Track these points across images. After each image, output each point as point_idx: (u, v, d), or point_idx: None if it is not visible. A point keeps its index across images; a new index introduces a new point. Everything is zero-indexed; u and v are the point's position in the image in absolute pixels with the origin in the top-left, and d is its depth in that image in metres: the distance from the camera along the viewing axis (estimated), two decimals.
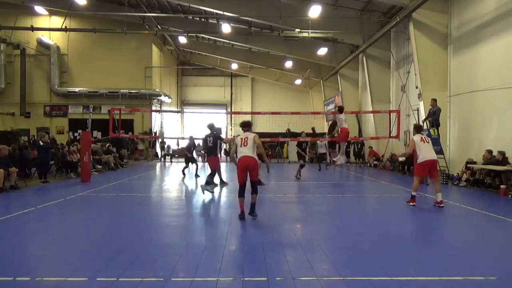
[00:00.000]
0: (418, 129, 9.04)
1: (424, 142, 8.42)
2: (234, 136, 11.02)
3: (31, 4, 22.09)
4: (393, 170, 17.29)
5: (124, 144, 22.18)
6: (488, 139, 12.21)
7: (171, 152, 25.73)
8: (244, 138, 7.01)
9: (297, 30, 18.86)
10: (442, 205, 8.24)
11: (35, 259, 4.76)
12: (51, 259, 4.76)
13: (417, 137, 8.58)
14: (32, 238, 5.83)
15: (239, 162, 6.84)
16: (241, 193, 6.89)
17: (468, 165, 12.00)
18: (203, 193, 9.72)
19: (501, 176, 10.34)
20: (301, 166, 13.85)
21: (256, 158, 6.96)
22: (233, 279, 4.00)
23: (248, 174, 6.85)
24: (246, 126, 7.36)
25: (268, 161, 8.50)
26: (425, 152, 8.35)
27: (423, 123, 13.43)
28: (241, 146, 6.97)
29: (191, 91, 34.83)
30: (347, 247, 5.31)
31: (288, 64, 28.13)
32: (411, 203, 8.41)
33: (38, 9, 22.31)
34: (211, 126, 10.77)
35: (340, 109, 12.34)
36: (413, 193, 8.47)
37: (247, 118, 32.93)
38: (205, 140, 10.76)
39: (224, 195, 10.52)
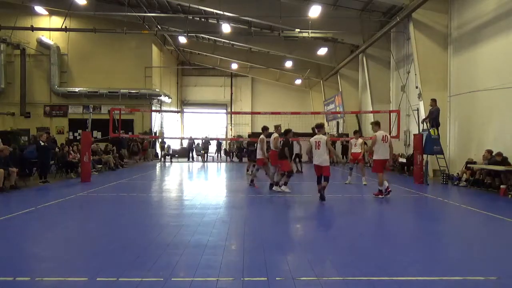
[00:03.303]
0: (379, 124, 9.82)
1: (384, 142, 9.34)
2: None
3: (31, 4, 22.09)
4: (393, 170, 17.27)
5: (125, 144, 22.18)
6: (488, 139, 12.20)
7: (171, 152, 25.74)
8: (318, 142, 8.67)
9: (297, 30, 18.85)
10: (380, 196, 9.32)
11: (35, 259, 4.76)
12: (51, 259, 4.76)
13: (379, 134, 9.42)
14: (32, 238, 5.83)
15: (315, 165, 8.83)
16: (319, 181, 8.87)
17: (468, 165, 12.00)
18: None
19: (501, 176, 10.34)
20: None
21: (327, 161, 8.71)
22: (233, 279, 4.00)
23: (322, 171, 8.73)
24: (320, 127, 9.07)
25: (340, 158, 9.78)
26: (382, 152, 9.31)
27: (423, 123, 13.45)
28: (315, 148, 8.71)
29: (191, 91, 34.83)
30: (347, 247, 5.31)
31: (288, 64, 28.12)
32: (379, 196, 9.32)
33: (38, 9, 22.30)
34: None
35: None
36: (380, 188, 9.37)
37: (248, 118, 33.15)
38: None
39: (224, 195, 10.53)
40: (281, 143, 10.21)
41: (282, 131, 10.95)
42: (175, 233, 5.83)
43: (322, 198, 8.82)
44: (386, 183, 9.30)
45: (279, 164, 10.41)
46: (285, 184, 10.29)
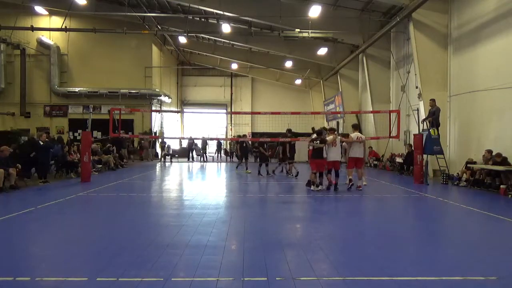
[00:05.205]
0: (355, 127, 11.41)
1: (357, 142, 10.77)
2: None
3: (31, 4, 22.08)
4: (393, 170, 17.28)
5: (125, 144, 22.18)
6: (488, 139, 12.20)
7: (171, 152, 25.75)
8: (333, 142, 10.42)
9: (297, 30, 18.84)
10: (361, 188, 10.72)
11: (35, 259, 4.76)
12: (51, 259, 4.77)
13: (354, 135, 10.90)
14: (32, 238, 5.83)
15: (330, 161, 10.39)
16: (329, 172, 10.61)
17: (468, 165, 11.99)
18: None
19: (501, 176, 10.34)
20: (266, 165, 15.17)
21: (340, 156, 10.66)
22: (233, 279, 4.00)
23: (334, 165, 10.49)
24: (332, 130, 11.11)
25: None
26: (355, 150, 10.78)
27: (423, 123, 13.44)
28: (331, 146, 10.35)
29: (191, 91, 34.84)
30: (347, 247, 5.32)
31: (288, 64, 28.13)
32: (350, 185, 10.65)
33: (38, 9, 22.30)
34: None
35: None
36: (350, 177, 10.74)
37: (248, 118, 33.22)
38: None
39: (224, 195, 10.53)
40: (316, 143, 10.61)
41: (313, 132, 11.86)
42: (175, 233, 5.83)
43: (335, 188, 10.43)
44: (351, 178, 10.64)
45: (310, 163, 11.16)
46: (316, 185, 10.61)
